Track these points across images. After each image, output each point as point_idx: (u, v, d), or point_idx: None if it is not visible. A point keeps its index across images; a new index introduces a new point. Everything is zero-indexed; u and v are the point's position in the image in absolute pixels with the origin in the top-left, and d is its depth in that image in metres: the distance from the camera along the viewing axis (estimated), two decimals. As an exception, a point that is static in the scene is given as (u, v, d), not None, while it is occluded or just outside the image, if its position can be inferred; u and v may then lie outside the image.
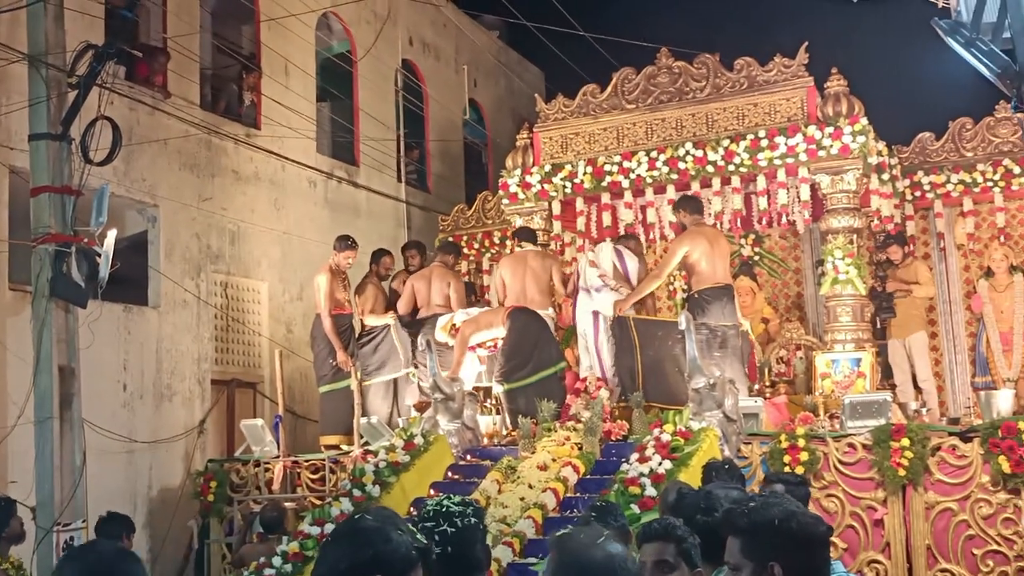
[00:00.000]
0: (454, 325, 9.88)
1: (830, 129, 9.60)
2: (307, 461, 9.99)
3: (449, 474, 8.71)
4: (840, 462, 8.06)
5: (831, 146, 9.58)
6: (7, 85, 8.87)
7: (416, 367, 10.51)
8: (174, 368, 10.71)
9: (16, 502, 6.88)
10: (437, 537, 3.03)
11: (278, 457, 9.97)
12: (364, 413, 10.17)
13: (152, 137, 10.54)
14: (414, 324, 10.67)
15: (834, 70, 9.98)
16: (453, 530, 3.06)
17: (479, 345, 9.85)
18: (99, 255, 8.17)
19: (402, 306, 10.87)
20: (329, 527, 7.65)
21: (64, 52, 8.16)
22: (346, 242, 10.73)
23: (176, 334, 10.78)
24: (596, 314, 9.62)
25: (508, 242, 11.98)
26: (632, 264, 9.92)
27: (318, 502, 9.16)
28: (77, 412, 8.28)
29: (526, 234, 10.55)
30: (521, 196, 11.06)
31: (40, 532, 7.82)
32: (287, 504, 9.31)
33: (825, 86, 9.92)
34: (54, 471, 8.05)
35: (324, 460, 9.87)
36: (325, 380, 10.66)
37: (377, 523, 2.37)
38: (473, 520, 3.09)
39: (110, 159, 8.34)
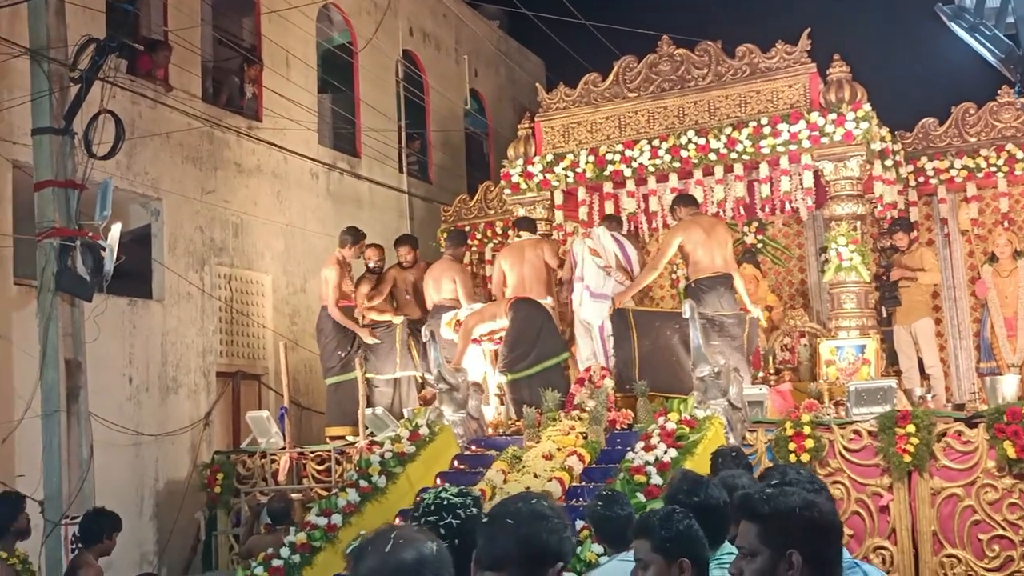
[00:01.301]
0: (458, 320, 9.90)
1: (833, 116, 9.58)
2: (313, 452, 10.03)
3: (455, 464, 8.73)
4: (846, 449, 8.07)
5: (834, 133, 9.56)
6: (9, 80, 8.86)
7: (419, 370, 10.57)
8: (179, 361, 10.73)
9: (25, 497, 6.90)
10: (442, 530, 3.04)
11: (284, 448, 10.01)
12: (369, 404, 10.21)
13: (154, 130, 10.54)
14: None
15: (836, 56, 9.95)
16: (457, 522, 3.07)
17: (484, 337, 9.87)
18: (103, 249, 8.19)
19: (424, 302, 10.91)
20: (336, 518, 7.69)
21: (66, 46, 8.17)
22: (358, 236, 10.75)
23: (181, 327, 10.79)
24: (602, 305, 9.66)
25: (511, 232, 11.97)
26: (633, 252, 9.95)
27: (324, 493, 9.19)
28: (84, 405, 8.32)
29: (524, 224, 10.57)
30: (523, 186, 11.05)
31: (48, 525, 7.86)
32: (294, 495, 9.35)
33: (828, 72, 9.89)
34: (61, 464, 8.09)
35: (330, 451, 9.91)
36: (332, 372, 10.69)
37: (554, 510, 2.48)
38: (475, 511, 3.10)
39: (113, 153, 8.36)
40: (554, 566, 2.42)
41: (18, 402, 8.62)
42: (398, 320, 10.79)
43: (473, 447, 9.00)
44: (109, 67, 8.32)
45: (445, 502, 3.13)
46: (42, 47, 8.04)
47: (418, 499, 7.87)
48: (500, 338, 9.83)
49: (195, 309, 11.00)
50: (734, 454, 5.35)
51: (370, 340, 10.62)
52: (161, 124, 10.66)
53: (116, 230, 8.24)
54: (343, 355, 10.60)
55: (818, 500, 2.69)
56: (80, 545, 6.87)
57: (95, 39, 8.07)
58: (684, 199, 9.79)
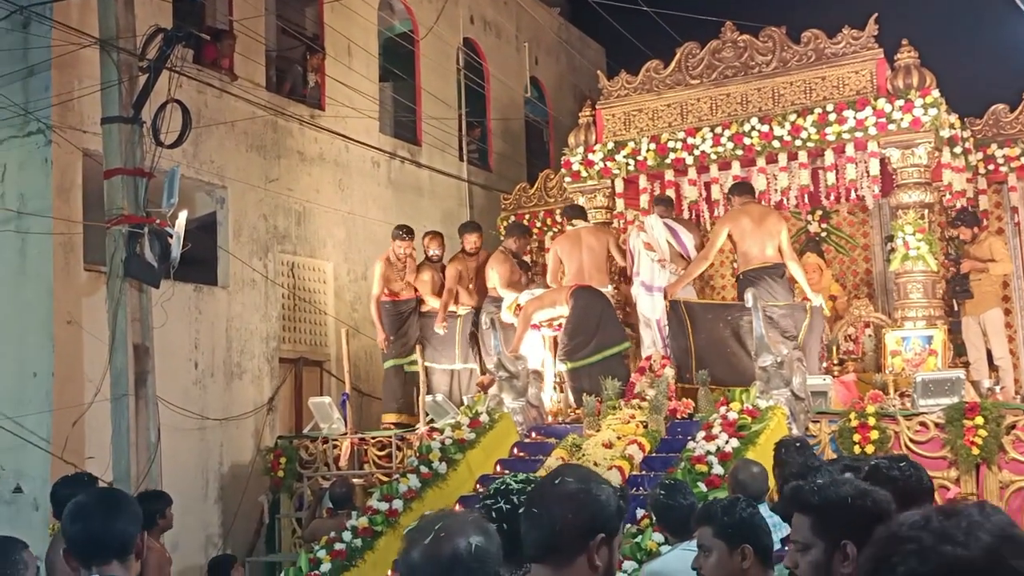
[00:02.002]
0: (519, 305, 9.91)
1: (900, 102, 9.40)
2: (374, 438, 10.13)
3: (514, 451, 8.75)
4: (912, 441, 7.94)
5: (901, 119, 9.38)
6: (79, 70, 9.04)
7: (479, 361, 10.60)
8: (243, 347, 10.89)
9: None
10: (494, 514, 3.07)
11: (345, 434, 10.12)
12: (429, 391, 10.28)
13: (219, 119, 10.69)
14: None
15: (904, 41, 9.75)
16: (508, 507, 3.08)
17: (543, 323, 9.87)
18: (171, 236, 8.33)
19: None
20: (397, 503, 7.76)
21: (134, 36, 8.31)
22: (398, 231, 10.81)
23: (245, 313, 10.95)
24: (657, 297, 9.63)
25: (565, 222, 11.95)
26: (688, 239, 9.89)
27: (385, 479, 9.27)
28: (151, 389, 8.48)
29: (576, 211, 10.53)
30: (584, 174, 11.02)
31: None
32: (355, 480, 9.45)
33: (895, 58, 9.70)
34: (130, 447, 8.26)
35: (390, 437, 10.00)
36: (388, 356, 10.81)
37: (580, 484, 2.40)
38: None
39: (180, 141, 8.49)
40: (594, 538, 2.37)
41: (88, 386, 8.82)
42: (463, 311, 10.74)
43: (533, 435, 9.01)
44: (176, 57, 8.45)
45: (504, 487, 3.16)
46: (111, 37, 8.19)
47: (478, 487, 7.96)
48: (559, 325, 9.83)
49: (259, 296, 11.15)
50: (798, 444, 5.29)
51: (382, 345, 10.79)
52: (226, 113, 10.80)
53: (183, 217, 8.38)
54: (396, 340, 10.68)
55: (871, 489, 2.65)
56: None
57: (163, 29, 8.20)
58: (739, 187, 9.69)
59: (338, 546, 7.37)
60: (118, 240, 8.29)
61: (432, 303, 10.83)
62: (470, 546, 2.19)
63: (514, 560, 2.95)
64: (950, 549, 1.40)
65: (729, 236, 9.44)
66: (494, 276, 10.57)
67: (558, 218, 12.73)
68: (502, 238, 11.49)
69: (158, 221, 8.33)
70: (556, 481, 2.46)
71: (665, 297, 9.50)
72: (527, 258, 11.63)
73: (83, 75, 8.99)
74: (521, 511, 2.84)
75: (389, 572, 7.28)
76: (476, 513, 2.74)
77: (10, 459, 8.74)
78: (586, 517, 2.34)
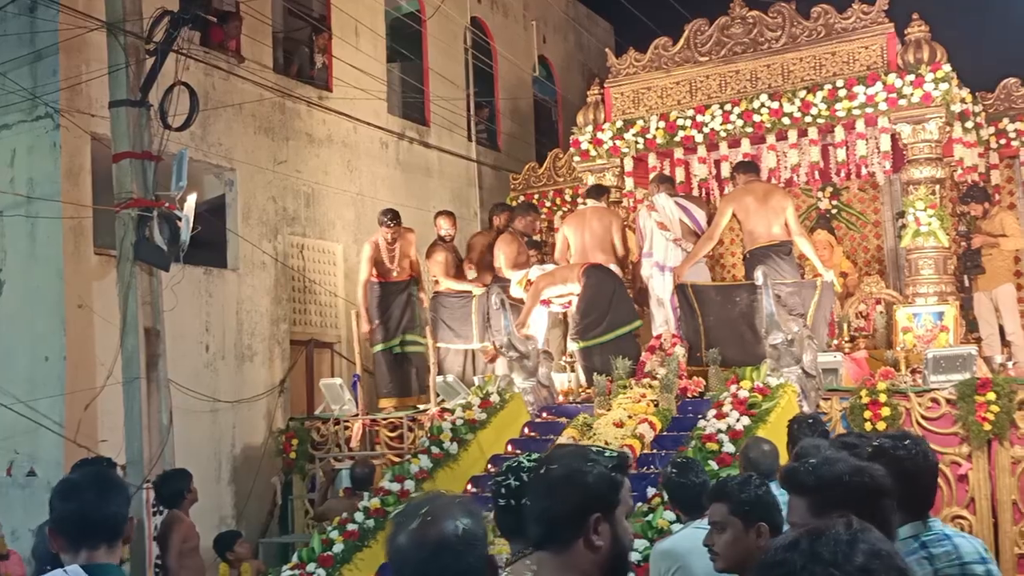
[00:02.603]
0: (529, 280, 9.90)
1: (911, 77, 9.33)
2: (385, 419, 10.15)
3: (525, 431, 8.77)
4: (923, 417, 7.92)
5: (912, 94, 9.32)
6: (86, 53, 9.02)
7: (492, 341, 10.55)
8: (254, 329, 10.91)
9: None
10: (503, 490, 3.09)
11: (357, 415, 10.14)
12: (440, 372, 10.28)
13: (227, 102, 10.67)
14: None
15: (915, 15, 9.67)
16: (517, 484, 3.10)
17: (553, 299, 9.84)
18: (180, 219, 8.34)
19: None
20: (409, 483, 7.78)
21: (141, 19, 8.28)
22: (382, 217, 10.59)
23: (255, 295, 10.96)
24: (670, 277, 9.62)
25: (580, 200, 11.93)
26: (700, 215, 9.87)
27: (397, 459, 9.29)
28: (163, 372, 8.52)
29: (592, 191, 10.49)
30: (593, 153, 10.98)
31: (130, 490, 8.07)
32: (376, 461, 9.47)
33: (905, 32, 9.62)
34: (142, 430, 8.29)
35: (402, 418, 10.02)
36: (375, 342, 10.67)
37: (564, 469, 2.38)
38: None
39: (188, 124, 8.49)
40: (586, 520, 2.36)
41: (100, 369, 8.85)
42: (479, 291, 10.66)
43: (544, 414, 9.02)
44: (182, 39, 8.44)
45: (516, 464, 3.17)
46: (118, 20, 8.17)
47: (489, 466, 7.98)
48: (568, 302, 9.82)
49: (269, 278, 11.17)
50: (811, 421, 5.29)
51: (364, 335, 10.60)
52: (234, 95, 10.78)
53: (192, 200, 8.38)
54: (382, 324, 10.56)
55: (866, 466, 2.64)
56: (163, 508, 7.14)
57: (169, 11, 8.18)
58: (743, 166, 9.66)
59: (351, 527, 7.39)
60: (128, 224, 8.30)
61: (446, 283, 10.79)
62: (457, 528, 2.17)
63: (525, 537, 2.96)
64: (821, 570, 1.39)
65: (734, 215, 9.40)
66: (500, 256, 10.56)
67: (568, 197, 12.72)
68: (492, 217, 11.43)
69: (167, 204, 8.33)
70: (542, 470, 2.44)
71: (674, 280, 9.49)
72: (537, 237, 11.61)
73: (90, 59, 8.98)
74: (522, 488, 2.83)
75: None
76: (462, 496, 2.74)
77: (24, 443, 8.79)
78: (575, 502, 2.32)
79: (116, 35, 8.19)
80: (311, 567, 7.12)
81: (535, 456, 3.21)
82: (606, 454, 2.57)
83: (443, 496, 2.37)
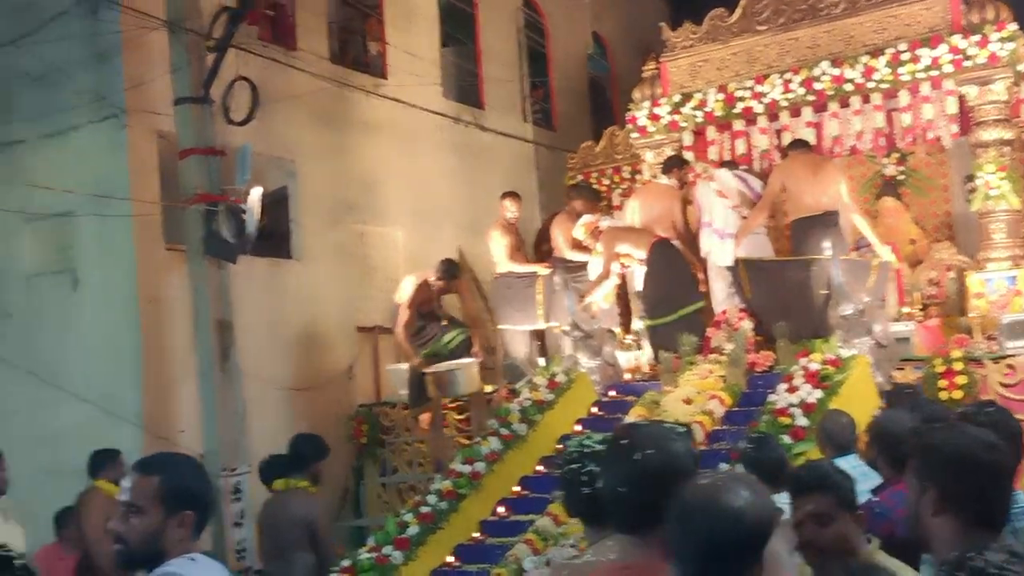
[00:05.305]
0: (597, 228, 9.77)
1: (976, 37, 9.12)
2: (453, 402, 10.21)
3: (593, 410, 8.77)
4: (1001, 384, 7.77)
5: (977, 55, 9.11)
6: (148, 53, 9.14)
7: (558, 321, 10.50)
8: (320, 317, 11.04)
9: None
10: (584, 477, 3.06)
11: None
12: (506, 354, 10.33)
13: (285, 94, 10.75)
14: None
15: (978, -26, 9.43)
16: (588, 469, 3.08)
17: (621, 256, 9.69)
18: (244, 212, 8.47)
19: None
20: (480, 465, 7.85)
21: (200, 16, 8.40)
22: (440, 267, 10.53)
23: (319, 284, 11.08)
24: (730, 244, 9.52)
25: (638, 176, 11.86)
26: (757, 184, 9.76)
27: (466, 442, 9.36)
28: (235, 363, 8.68)
29: (668, 163, 10.33)
30: (651, 129, 10.91)
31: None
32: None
33: (968, -9, 9.40)
34: (218, 420, 8.48)
35: (469, 401, 10.08)
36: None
37: (659, 455, 2.43)
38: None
39: (250, 118, 8.60)
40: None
41: (175, 362, 9.05)
42: (544, 271, 10.55)
43: (611, 393, 9.02)
44: (241, 34, 8.55)
45: (581, 448, 3.17)
46: (179, 19, 8.29)
47: (558, 446, 8.01)
48: (628, 267, 9.72)
49: (332, 266, 11.28)
50: (908, 391, 5.22)
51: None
52: (292, 87, 10.86)
53: (256, 193, 8.49)
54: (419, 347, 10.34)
55: (965, 437, 2.60)
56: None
57: (228, 7, 8.28)
58: (793, 144, 9.54)
59: (424, 509, 7.48)
60: (196, 219, 8.46)
61: (508, 267, 10.70)
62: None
63: (597, 523, 2.96)
64: None
65: (784, 186, 9.26)
66: (559, 237, 10.51)
67: (626, 175, 12.64)
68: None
69: (233, 198, 8.46)
70: (636, 456, 2.45)
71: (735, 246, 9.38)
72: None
73: (153, 58, 9.10)
74: (600, 473, 2.82)
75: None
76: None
77: (105, 437, 9.00)
78: (665, 488, 2.30)
79: (177, 33, 8.31)
80: (387, 549, 7.21)
81: (598, 437, 3.22)
82: (679, 430, 2.58)
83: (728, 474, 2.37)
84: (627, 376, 9.56)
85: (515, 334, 10.70)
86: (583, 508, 3.07)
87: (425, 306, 10.44)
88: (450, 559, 7.24)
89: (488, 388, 10.27)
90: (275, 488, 7.23)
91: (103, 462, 7.14)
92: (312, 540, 6.99)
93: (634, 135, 11.13)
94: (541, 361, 10.30)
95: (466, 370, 9.90)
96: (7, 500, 6.59)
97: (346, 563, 7.09)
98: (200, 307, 8.57)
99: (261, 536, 7.48)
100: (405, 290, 10.43)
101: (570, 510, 3.24)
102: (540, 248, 11.79)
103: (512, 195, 11.06)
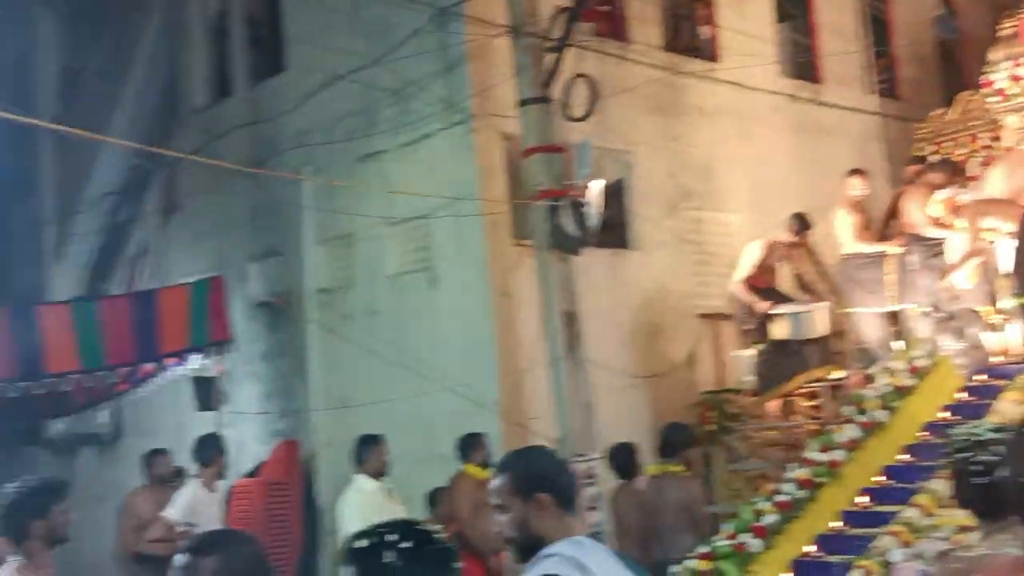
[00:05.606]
0: (955, 204, 9.11)
1: None
2: (802, 389, 9.94)
3: (959, 396, 8.21)
4: None
5: None
6: (490, 59, 9.62)
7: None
8: (661, 305, 11.11)
9: None
10: (977, 467, 3.03)
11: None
12: (856, 338, 9.90)
13: (620, 86, 10.91)
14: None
15: None
16: (986, 459, 3.03)
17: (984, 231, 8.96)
18: (583, 205, 8.73)
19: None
20: (838, 453, 7.59)
21: (539, 19, 8.73)
22: (803, 223, 10.35)
23: (659, 273, 11.16)
24: None
25: (996, 144, 10.91)
26: None
27: (817, 429, 9.07)
28: (583, 352, 8.96)
29: None
30: (1011, 91, 10.01)
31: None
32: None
33: None
34: (568, 407, 8.79)
35: (819, 387, 9.76)
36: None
37: None
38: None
39: (589, 114, 8.83)
40: None
41: (525, 352, 9.47)
42: (896, 250, 10.07)
43: (978, 377, 8.39)
44: (576, 32, 8.79)
45: (974, 438, 3.06)
46: (521, 24, 8.67)
47: (925, 434, 7.57)
48: (991, 241, 8.95)
49: (670, 255, 11.31)
50: None
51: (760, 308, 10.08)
52: (626, 79, 11.00)
53: (597, 187, 8.73)
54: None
55: None
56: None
57: (565, 7, 8.54)
58: None
59: (782, 497, 7.35)
60: (541, 215, 8.81)
61: (856, 247, 10.22)
62: None
63: (991, 515, 2.83)
64: None
65: None
66: (916, 213, 9.86)
67: (983, 142, 11.66)
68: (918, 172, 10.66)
69: (574, 193, 8.74)
70: None
71: None
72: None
73: (496, 64, 9.58)
74: (1000, 463, 2.67)
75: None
76: None
77: (468, 424, 9.60)
78: None
79: (519, 38, 8.69)
80: (743, 537, 7.15)
81: (990, 425, 3.10)
82: None
83: None
84: (994, 359, 8.84)
85: (866, 317, 10.20)
86: (975, 499, 2.98)
87: (764, 279, 10.26)
88: (810, 549, 7.06)
89: (838, 374, 9.89)
90: (650, 473, 7.46)
91: (470, 445, 7.67)
92: (692, 523, 7.13)
93: (993, 99, 10.25)
94: (896, 345, 9.75)
95: (817, 312, 9.62)
96: (389, 481, 7.22)
97: (704, 549, 7.11)
98: (548, 299, 8.92)
99: (624, 521, 7.68)
100: (749, 257, 10.32)
101: (960, 501, 3.09)
102: (887, 225, 11.15)
103: (858, 172, 10.53)
